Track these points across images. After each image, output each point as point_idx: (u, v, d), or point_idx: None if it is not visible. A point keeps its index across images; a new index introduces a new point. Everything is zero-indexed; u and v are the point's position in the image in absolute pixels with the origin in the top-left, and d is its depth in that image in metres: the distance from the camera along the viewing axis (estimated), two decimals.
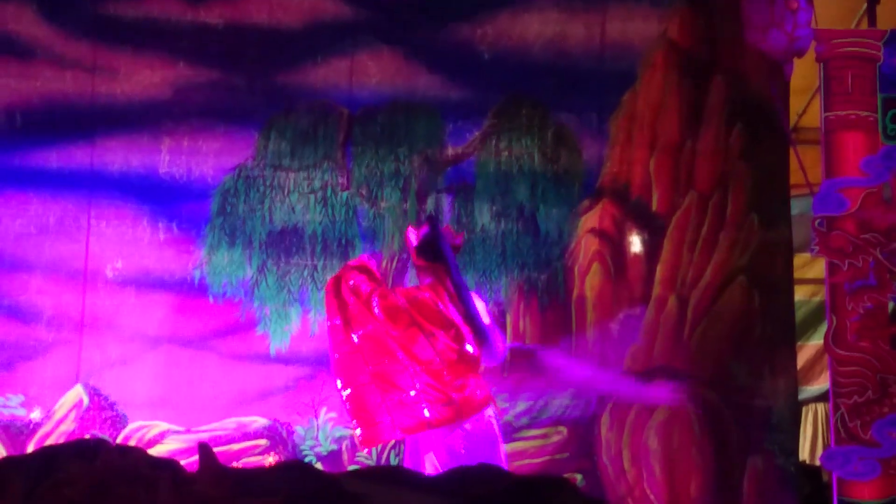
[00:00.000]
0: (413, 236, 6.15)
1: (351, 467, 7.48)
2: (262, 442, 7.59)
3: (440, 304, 5.93)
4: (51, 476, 3.51)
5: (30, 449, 7.42)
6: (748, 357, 7.70)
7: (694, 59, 7.94)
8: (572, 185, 7.93)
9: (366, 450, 7.62)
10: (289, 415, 7.68)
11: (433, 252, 6.03)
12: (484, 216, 7.89)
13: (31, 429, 7.59)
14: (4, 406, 7.60)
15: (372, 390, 5.83)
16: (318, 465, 7.48)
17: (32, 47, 7.84)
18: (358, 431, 5.85)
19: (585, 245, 7.89)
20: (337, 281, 6.00)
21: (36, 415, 7.62)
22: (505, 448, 6.07)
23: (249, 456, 7.52)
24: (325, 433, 7.72)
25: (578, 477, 7.45)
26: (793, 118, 8.29)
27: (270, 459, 7.49)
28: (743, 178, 7.87)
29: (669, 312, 7.73)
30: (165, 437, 7.57)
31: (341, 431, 7.75)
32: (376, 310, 5.86)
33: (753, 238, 7.83)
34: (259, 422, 7.63)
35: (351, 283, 5.92)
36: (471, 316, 5.93)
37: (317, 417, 7.72)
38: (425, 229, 6.09)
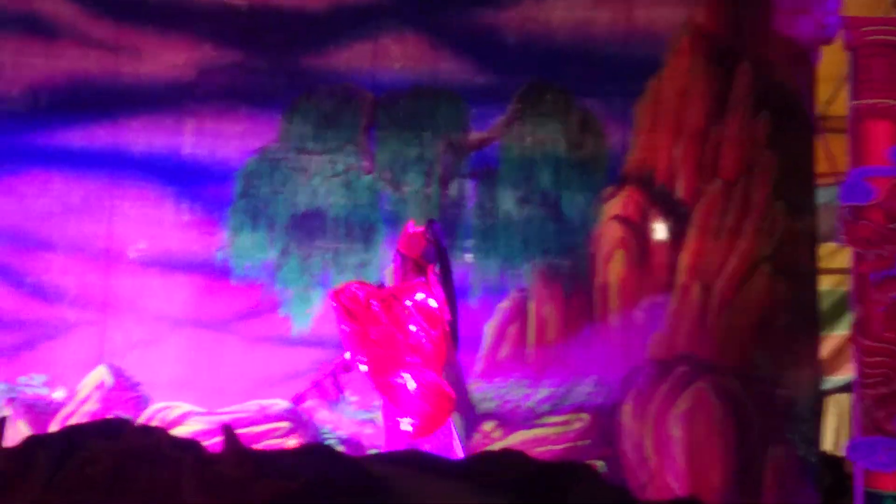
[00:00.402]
0: (411, 230, 6.13)
1: (372, 451, 7.47)
2: (284, 424, 7.59)
3: (432, 303, 5.97)
4: (74, 455, 3.51)
5: (53, 428, 7.44)
6: (772, 346, 7.65)
7: (720, 46, 7.88)
8: (596, 171, 7.89)
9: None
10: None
11: (437, 254, 6.05)
12: (507, 202, 7.87)
13: (54, 408, 7.61)
14: (28, 385, 7.63)
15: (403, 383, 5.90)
16: (340, 448, 7.48)
17: (57, 26, 7.85)
18: (409, 421, 5.85)
19: (609, 232, 7.86)
20: (336, 293, 6.04)
21: (59, 394, 7.64)
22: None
23: (271, 438, 7.53)
24: (346, 416, 7.72)
25: (600, 464, 7.43)
26: (820, 106, 8.22)
27: (292, 442, 7.50)
28: (768, 166, 7.81)
29: (693, 300, 7.69)
30: (187, 419, 7.57)
31: (363, 415, 7.74)
32: (377, 310, 5.91)
33: (778, 227, 7.77)
34: (280, 404, 7.63)
35: (349, 293, 5.96)
36: (455, 319, 6.00)
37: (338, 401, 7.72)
38: (422, 228, 6.08)
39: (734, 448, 7.56)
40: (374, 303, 5.90)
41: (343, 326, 5.98)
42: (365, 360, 5.93)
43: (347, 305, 5.91)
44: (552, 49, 7.88)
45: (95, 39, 7.85)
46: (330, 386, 6.08)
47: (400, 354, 5.90)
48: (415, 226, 6.21)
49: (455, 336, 6.01)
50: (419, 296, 5.94)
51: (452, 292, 6.03)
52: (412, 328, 5.87)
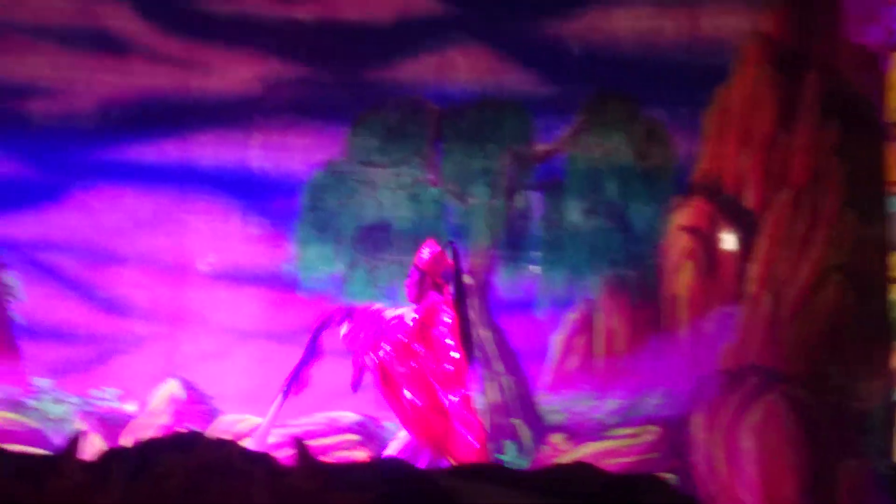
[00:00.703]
0: (428, 251, 6.07)
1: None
2: (353, 437, 7.62)
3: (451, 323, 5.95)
4: (149, 468, 3.55)
5: (125, 441, 7.53)
6: (843, 357, 7.55)
7: (788, 53, 7.81)
8: (663, 181, 7.85)
9: None
10: (378, 410, 7.69)
11: (454, 275, 6.04)
12: (574, 213, 7.85)
13: (126, 421, 7.70)
14: (101, 398, 7.73)
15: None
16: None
17: (127, 43, 7.95)
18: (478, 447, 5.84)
19: (677, 242, 7.81)
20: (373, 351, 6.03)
21: (131, 407, 7.73)
22: None
23: (340, 450, 7.55)
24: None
25: (670, 476, 7.36)
26: (890, 113, 8.11)
27: (361, 454, 7.52)
28: (838, 174, 7.72)
29: (763, 310, 7.61)
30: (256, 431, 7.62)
31: None
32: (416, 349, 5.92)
33: (849, 235, 7.68)
34: (349, 417, 7.67)
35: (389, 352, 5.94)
36: (469, 341, 5.98)
37: None
38: (438, 249, 6.03)
39: (806, 460, 7.46)
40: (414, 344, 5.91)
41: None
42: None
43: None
44: (618, 59, 7.86)
45: (165, 56, 7.95)
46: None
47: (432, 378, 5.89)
48: (435, 245, 6.14)
49: (469, 356, 5.96)
50: (446, 318, 5.93)
51: (466, 314, 6.01)
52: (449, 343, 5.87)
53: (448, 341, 5.86)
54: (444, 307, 5.92)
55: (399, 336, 5.89)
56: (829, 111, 7.77)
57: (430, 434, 5.79)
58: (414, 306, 5.98)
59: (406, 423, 5.89)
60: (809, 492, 7.42)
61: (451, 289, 6.00)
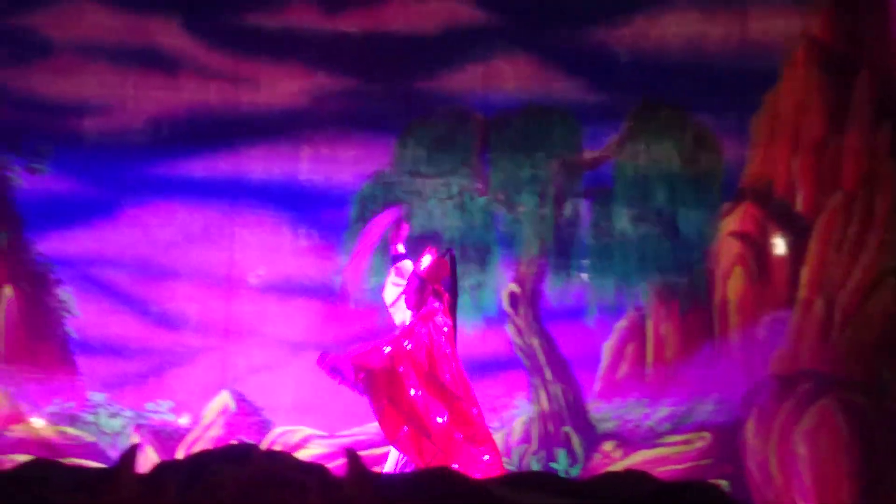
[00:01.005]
0: (429, 258, 6.02)
1: None
2: None
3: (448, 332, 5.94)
4: (203, 481, 3.57)
5: (179, 454, 7.60)
6: None
7: (838, 56, 7.74)
8: (713, 186, 7.81)
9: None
10: None
11: (451, 285, 6.03)
12: (622, 220, 7.83)
13: (180, 434, 7.77)
14: (155, 411, 7.80)
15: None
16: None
17: (177, 59, 8.03)
18: (487, 458, 5.79)
19: (727, 248, 7.77)
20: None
21: (184, 420, 7.79)
22: None
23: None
24: None
25: (724, 483, 7.32)
26: None
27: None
28: (891, 178, 7.65)
29: (816, 315, 7.55)
30: (309, 442, 7.67)
31: None
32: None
33: None
34: None
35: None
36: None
37: None
38: (438, 257, 6.00)
39: (861, 465, 7.39)
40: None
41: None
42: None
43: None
44: (665, 65, 7.84)
45: (214, 71, 8.02)
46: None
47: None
48: (435, 252, 6.09)
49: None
50: (445, 327, 5.91)
51: (455, 321, 6.01)
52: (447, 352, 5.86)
53: (446, 350, 5.86)
54: (443, 315, 5.92)
55: (404, 343, 5.82)
56: (881, 113, 7.70)
57: (423, 450, 5.73)
58: (411, 314, 5.95)
59: (394, 437, 5.79)
60: (864, 497, 7.35)
61: (449, 297, 6.00)
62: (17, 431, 7.74)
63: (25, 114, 7.98)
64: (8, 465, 7.46)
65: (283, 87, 8.01)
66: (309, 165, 7.95)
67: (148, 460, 7.37)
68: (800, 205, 7.72)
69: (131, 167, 7.99)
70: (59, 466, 3.79)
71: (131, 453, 3.72)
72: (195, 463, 3.75)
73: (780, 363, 7.59)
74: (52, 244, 7.92)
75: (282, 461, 3.80)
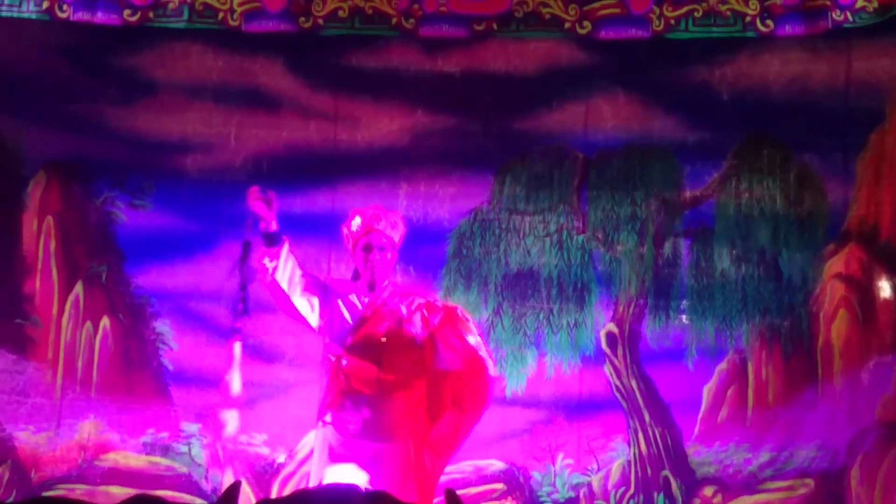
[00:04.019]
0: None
1: None
2: (499, 486, 7.52)
3: None
4: None
5: (275, 489, 7.56)
6: None
7: None
8: (816, 227, 7.67)
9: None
10: (525, 459, 7.60)
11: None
12: (724, 260, 7.70)
13: (275, 468, 7.74)
14: (249, 444, 7.78)
15: None
16: None
17: (279, 99, 8.12)
18: None
19: (831, 290, 7.60)
20: None
21: (280, 455, 7.76)
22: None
23: (486, 500, 7.46)
24: (562, 479, 7.60)
25: None
26: None
27: None
28: None
29: None
30: None
31: (578, 478, 7.62)
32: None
33: None
34: (496, 465, 7.58)
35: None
36: None
37: (553, 463, 7.62)
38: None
39: None
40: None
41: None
42: None
43: None
44: (767, 104, 7.75)
45: (314, 110, 8.09)
46: None
47: None
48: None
49: None
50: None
51: None
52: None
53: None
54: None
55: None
56: None
57: None
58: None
59: None
60: None
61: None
62: (108, 461, 7.77)
63: (130, 152, 8.11)
64: (100, 497, 7.51)
65: (382, 126, 8.05)
66: (407, 202, 7.96)
67: (244, 495, 7.37)
68: None
69: (231, 203, 8.03)
70: (152, 499, 3.72)
71: (234, 490, 3.67)
72: (297, 502, 3.67)
73: (885, 409, 7.38)
74: (151, 278, 7.99)
75: (383, 500, 3.72)
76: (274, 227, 5.59)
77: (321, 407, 5.61)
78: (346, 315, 5.60)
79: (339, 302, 5.66)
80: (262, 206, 5.58)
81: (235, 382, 5.39)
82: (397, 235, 5.70)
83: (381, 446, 5.48)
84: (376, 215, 5.64)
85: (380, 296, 5.63)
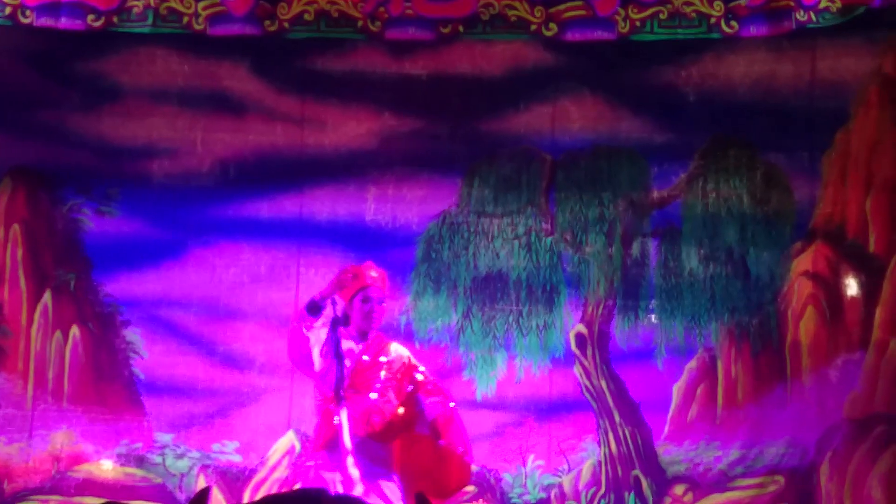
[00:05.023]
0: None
1: None
2: (470, 488, 7.52)
3: None
4: None
5: (246, 495, 7.56)
6: None
7: None
8: (783, 226, 7.71)
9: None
10: (496, 461, 7.63)
11: None
12: (692, 260, 7.74)
13: (246, 475, 7.73)
14: (221, 452, 7.78)
15: None
16: None
17: (245, 103, 8.09)
18: None
19: (799, 288, 7.65)
20: None
21: (251, 461, 7.76)
22: None
23: (458, 503, 7.47)
24: (533, 481, 7.64)
25: None
26: None
27: None
28: None
29: (890, 357, 7.40)
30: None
31: (549, 479, 7.66)
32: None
33: None
34: None
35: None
36: None
37: (524, 464, 7.65)
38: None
39: None
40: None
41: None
42: None
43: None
44: (733, 104, 7.78)
45: (281, 113, 8.06)
46: None
47: None
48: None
49: None
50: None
51: None
52: None
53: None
54: None
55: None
56: None
57: None
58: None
59: None
60: None
61: None
62: (81, 472, 7.75)
63: (95, 158, 8.07)
64: None
65: (349, 129, 8.03)
66: (375, 206, 7.95)
67: (216, 502, 7.36)
68: (873, 245, 7.59)
69: (198, 209, 8.03)
70: None
71: (202, 496, 3.67)
72: None
73: (853, 406, 7.44)
74: (120, 285, 7.96)
75: None
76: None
77: (315, 446, 5.78)
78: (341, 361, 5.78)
79: (335, 349, 5.80)
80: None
81: (347, 442, 5.55)
82: (386, 292, 6.07)
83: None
84: (373, 268, 5.99)
85: (371, 345, 5.91)
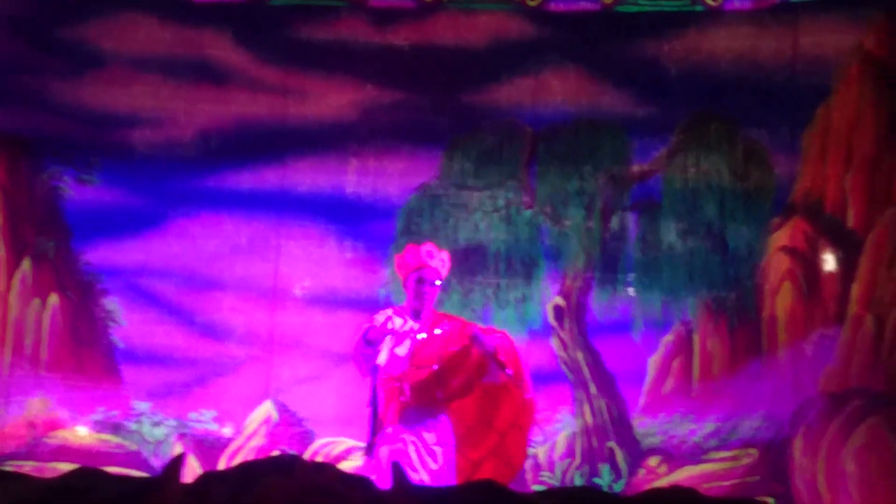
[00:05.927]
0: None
1: (535, 487, 7.43)
2: None
3: None
4: (249, 490, 3.57)
5: (222, 463, 7.61)
6: None
7: (893, 70, 7.64)
8: (763, 201, 7.74)
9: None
10: None
11: None
12: (671, 234, 7.77)
13: (222, 443, 7.78)
14: (198, 420, 7.82)
15: None
16: None
17: (227, 73, 8.07)
18: None
19: (776, 263, 7.69)
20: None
21: (227, 430, 7.81)
22: None
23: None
24: None
25: (770, 501, 7.24)
26: None
27: None
28: None
29: (866, 332, 7.45)
30: (351, 454, 7.65)
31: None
32: None
33: None
34: None
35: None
36: None
37: None
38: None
39: None
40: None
41: None
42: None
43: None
44: (715, 79, 7.79)
45: (263, 84, 8.05)
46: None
47: None
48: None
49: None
50: None
51: None
52: None
53: None
54: None
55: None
56: None
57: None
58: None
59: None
60: None
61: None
62: (57, 439, 7.79)
63: (76, 125, 8.05)
64: (49, 473, 7.52)
65: (331, 100, 8.03)
66: (356, 178, 7.96)
67: (191, 469, 7.41)
68: (851, 221, 7.62)
69: (179, 179, 8.03)
70: (103, 476, 3.79)
71: (177, 463, 3.72)
72: (241, 473, 3.74)
73: (829, 380, 7.49)
74: (100, 254, 7.97)
75: (326, 473, 3.79)
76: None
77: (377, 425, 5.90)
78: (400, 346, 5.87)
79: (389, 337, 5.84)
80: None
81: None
82: (445, 272, 6.03)
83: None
84: (430, 252, 5.96)
85: (425, 322, 5.94)
